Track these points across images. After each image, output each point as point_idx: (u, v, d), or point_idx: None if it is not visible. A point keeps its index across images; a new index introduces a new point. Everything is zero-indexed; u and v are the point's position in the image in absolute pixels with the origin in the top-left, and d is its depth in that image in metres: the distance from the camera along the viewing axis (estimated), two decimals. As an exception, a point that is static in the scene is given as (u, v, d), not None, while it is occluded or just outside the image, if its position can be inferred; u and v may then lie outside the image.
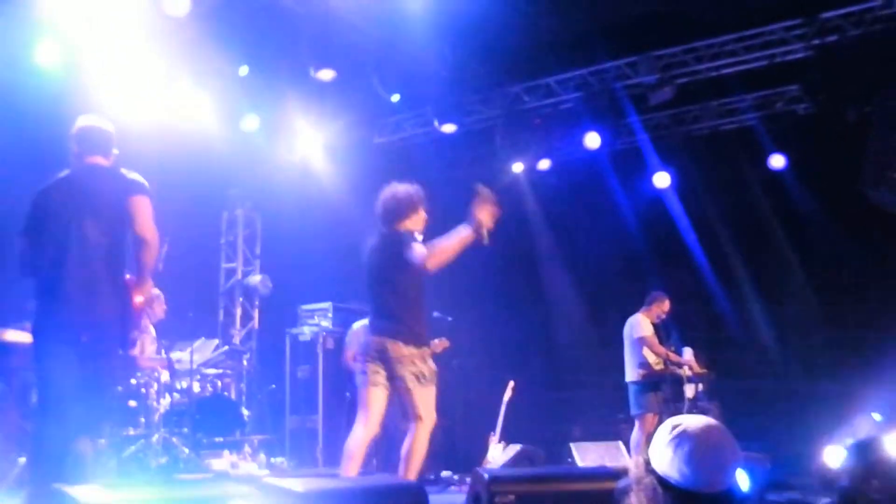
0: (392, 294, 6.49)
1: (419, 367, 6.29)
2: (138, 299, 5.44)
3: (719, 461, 3.02)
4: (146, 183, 5.51)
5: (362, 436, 6.37)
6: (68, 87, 9.13)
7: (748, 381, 10.28)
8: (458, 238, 6.31)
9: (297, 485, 4.62)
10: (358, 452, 6.33)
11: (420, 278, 6.55)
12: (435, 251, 6.34)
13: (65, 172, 5.62)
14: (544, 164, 12.94)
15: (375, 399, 6.37)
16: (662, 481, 3.04)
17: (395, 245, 6.48)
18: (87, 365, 5.18)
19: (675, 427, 3.06)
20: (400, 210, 6.71)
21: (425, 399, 6.31)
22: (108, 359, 5.36)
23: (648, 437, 9.60)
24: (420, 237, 6.59)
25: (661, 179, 12.49)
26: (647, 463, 3.09)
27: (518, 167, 12.90)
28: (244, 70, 10.43)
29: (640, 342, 9.89)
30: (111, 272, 5.35)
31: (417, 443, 6.33)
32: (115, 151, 5.77)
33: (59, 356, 5.17)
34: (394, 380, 6.31)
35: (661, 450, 3.06)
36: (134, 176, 5.54)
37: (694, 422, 3.07)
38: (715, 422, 3.08)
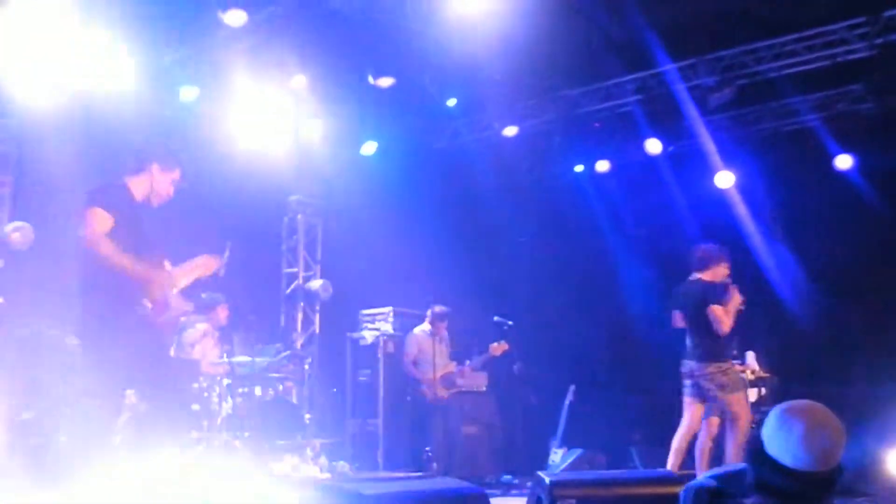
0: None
1: (721, 379, 8.01)
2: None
3: (829, 440, 3.06)
4: (98, 193, 5.91)
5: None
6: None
7: (812, 385, 10.13)
8: None
9: (363, 488, 4.66)
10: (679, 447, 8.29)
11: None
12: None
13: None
14: (603, 166, 12.93)
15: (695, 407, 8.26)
16: (778, 465, 3.07)
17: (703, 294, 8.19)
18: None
19: (783, 412, 3.11)
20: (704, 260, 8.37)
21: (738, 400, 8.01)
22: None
23: (712, 442, 9.51)
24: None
25: (724, 179, 12.39)
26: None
27: (579, 168, 12.92)
28: (301, 80, 10.56)
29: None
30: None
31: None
32: (154, 167, 6.19)
33: None
34: (708, 390, 8.07)
35: (772, 435, 3.10)
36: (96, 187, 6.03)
37: (799, 405, 3.12)
38: (817, 403, 3.12)
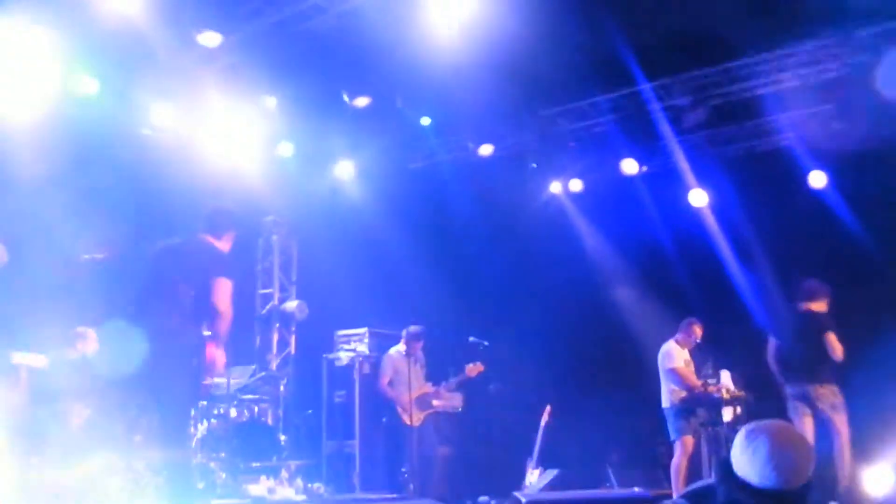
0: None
1: (833, 400, 8.78)
2: (213, 351, 6.43)
3: (796, 459, 3.06)
4: (229, 264, 6.70)
5: None
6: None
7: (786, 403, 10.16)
8: None
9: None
10: None
11: None
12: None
13: (176, 240, 6.87)
14: (576, 186, 12.99)
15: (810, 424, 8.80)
16: (745, 486, 3.07)
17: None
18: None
19: (749, 431, 3.11)
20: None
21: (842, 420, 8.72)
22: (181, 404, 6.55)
23: (688, 461, 9.52)
24: None
25: (698, 198, 12.47)
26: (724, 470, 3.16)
27: (555, 188, 12.99)
28: (272, 102, 10.58)
29: (671, 373, 9.84)
30: (188, 323, 6.41)
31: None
32: (231, 234, 6.94)
33: None
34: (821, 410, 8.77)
35: (739, 455, 3.09)
36: (221, 256, 6.74)
37: (764, 424, 3.12)
38: (784, 422, 3.12)
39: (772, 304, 10.63)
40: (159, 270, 6.64)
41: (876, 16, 9.53)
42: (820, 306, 9.23)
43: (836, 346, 8.82)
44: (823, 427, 8.82)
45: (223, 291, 6.39)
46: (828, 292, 9.31)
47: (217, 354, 6.40)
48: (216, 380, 9.57)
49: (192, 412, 8.22)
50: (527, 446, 11.11)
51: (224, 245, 6.83)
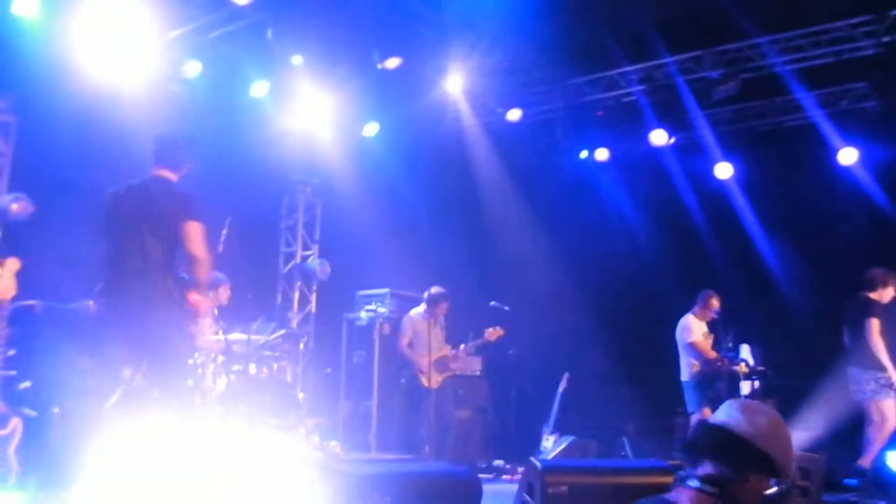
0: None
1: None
2: (195, 297, 5.94)
3: (766, 414, 3.12)
4: (199, 205, 6.00)
5: None
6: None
7: (806, 379, 10.15)
8: None
9: (359, 468, 4.68)
10: None
11: None
12: None
13: (134, 181, 6.18)
14: (602, 155, 12.96)
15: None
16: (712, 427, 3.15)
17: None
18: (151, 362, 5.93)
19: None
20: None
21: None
22: (170, 357, 5.98)
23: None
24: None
25: (723, 170, 12.43)
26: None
27: (583, 155, 12.98)
28: (298, 59, 10.55)
29: (689, 347, 9.86)
30: (163, 274, 5.89)
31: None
32: (189, 165, 6.29)
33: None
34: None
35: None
36: (188, 198, 6.04)
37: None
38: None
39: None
40: (125, 222, 6.00)
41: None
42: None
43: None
44: None
45: (196, 236, 5.86)
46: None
47: (199, 301, 5.95)
48: (236, 336, 9.66)
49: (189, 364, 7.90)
50: (543, 412, 11.16)
51: (177, 177, 6.23)
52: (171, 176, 6.16)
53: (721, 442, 3.07)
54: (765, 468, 3.03)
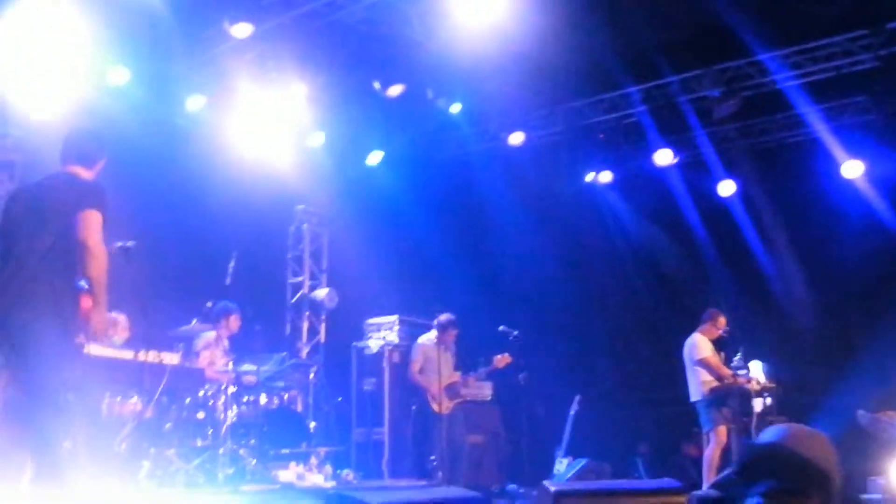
0: None
1: None
2: (86, 304, 5.37)
3: (810, 435, 3.15)
4: (100, 195, 5.51)
5: None
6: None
7: (817, 396, 10.13)
8: None
9: (369, 497, 4.68)
10: None
11: None
12: None
13: (40, 179, 5.79)
14: (606, 177, 12.98)
15: None
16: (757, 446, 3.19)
17: None
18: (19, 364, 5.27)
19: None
20: None
21: None
22: (42, 357, 5.24)
23: (722, 452, 9.50)
24: None
25: (726, 188, 12.44)
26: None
27: (589, 177, 12.98)
28: (302, 90, 10.62)
29: (701, 364, 9.80)
30: (50, 275, 5.33)
31: None
32: (103, 162, 5.86)
33: None
34: None
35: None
36: (89, 187, 5.58)
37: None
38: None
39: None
40: (14, 221, 5.54)
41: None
42: None
43: None
44: None
45: (91, 225, 5.33)
46: None
47: (92, 310, 5.35)
48: (246, 369, 9.66)
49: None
50: (556, 436, 11.14)
51: (91, 175, 5.78)
52: (82, 172, 5.74)
53: (785, 462, 3.11)
54: (824, 488, 3.08)
